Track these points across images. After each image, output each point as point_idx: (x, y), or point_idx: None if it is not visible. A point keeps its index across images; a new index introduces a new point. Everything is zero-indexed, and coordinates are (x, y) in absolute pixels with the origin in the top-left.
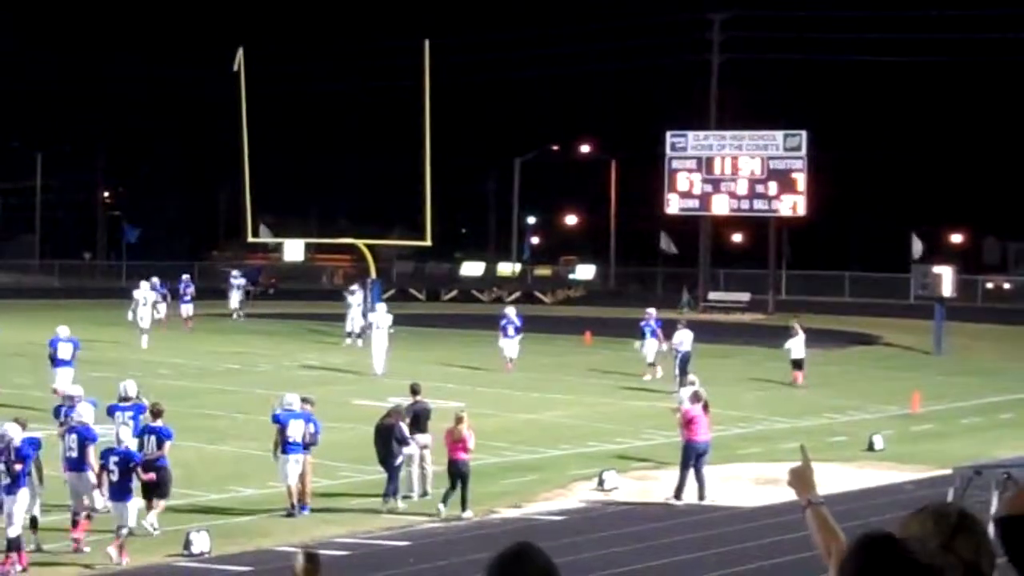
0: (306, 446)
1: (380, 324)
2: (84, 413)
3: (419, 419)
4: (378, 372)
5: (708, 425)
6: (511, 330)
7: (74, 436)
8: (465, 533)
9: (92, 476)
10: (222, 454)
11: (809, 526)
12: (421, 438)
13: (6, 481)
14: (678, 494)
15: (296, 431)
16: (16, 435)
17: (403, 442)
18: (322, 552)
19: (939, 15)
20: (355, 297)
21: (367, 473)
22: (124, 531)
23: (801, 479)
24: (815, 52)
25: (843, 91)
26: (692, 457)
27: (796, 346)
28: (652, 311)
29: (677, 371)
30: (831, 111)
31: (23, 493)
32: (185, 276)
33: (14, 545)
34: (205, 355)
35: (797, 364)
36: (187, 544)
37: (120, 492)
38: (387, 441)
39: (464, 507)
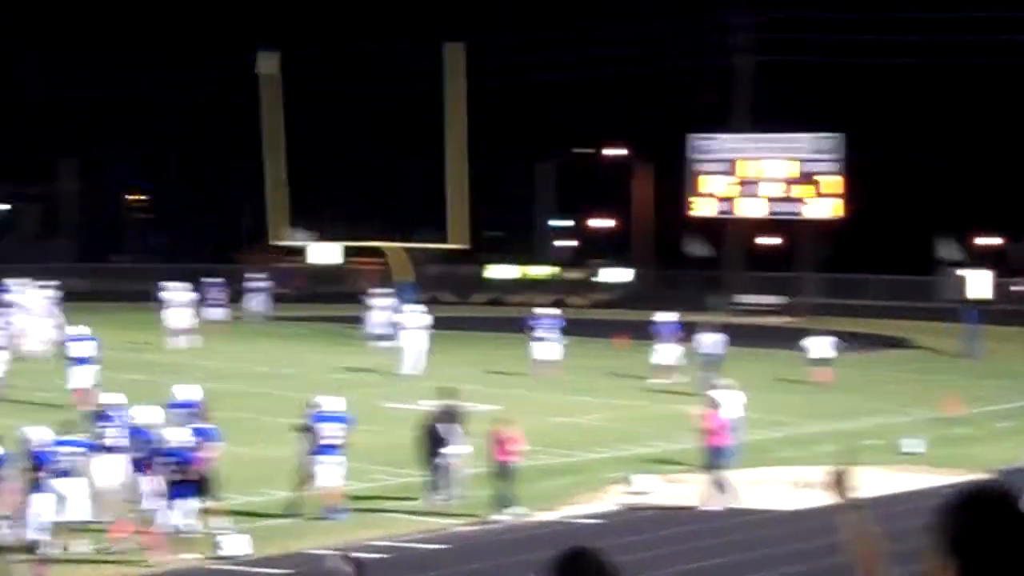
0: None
1: (416, 324)
2: (146, 416)
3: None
4: (414, 372)
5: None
6: (546, 331)
7: (136, 439)
8: (501, 536)
9: (149, 480)
10: (255, 457)
11: (843, 529)
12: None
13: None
14: (723, 491)
15: (332, 433)
16: (37, 438)
17: (444, 442)
18: (357, 555)
19: (974, 17)
20: (381, 300)
21: (401, 476)
22: (182, 528)
23: (840, 481)
24: (846, 55)
25: (874, 94)
26: (718, 461)
27: (816, 346)
28: (670, 315)
29: (704, 373)
30: (862, 114)
31: (42, 497)
32: (216, 279)
33: (32, 548)
34: (237, 358)
35: (817, 363)
36: (217, 547)
37: (174, 491)
38: (434, 440)
39: (504, 506)
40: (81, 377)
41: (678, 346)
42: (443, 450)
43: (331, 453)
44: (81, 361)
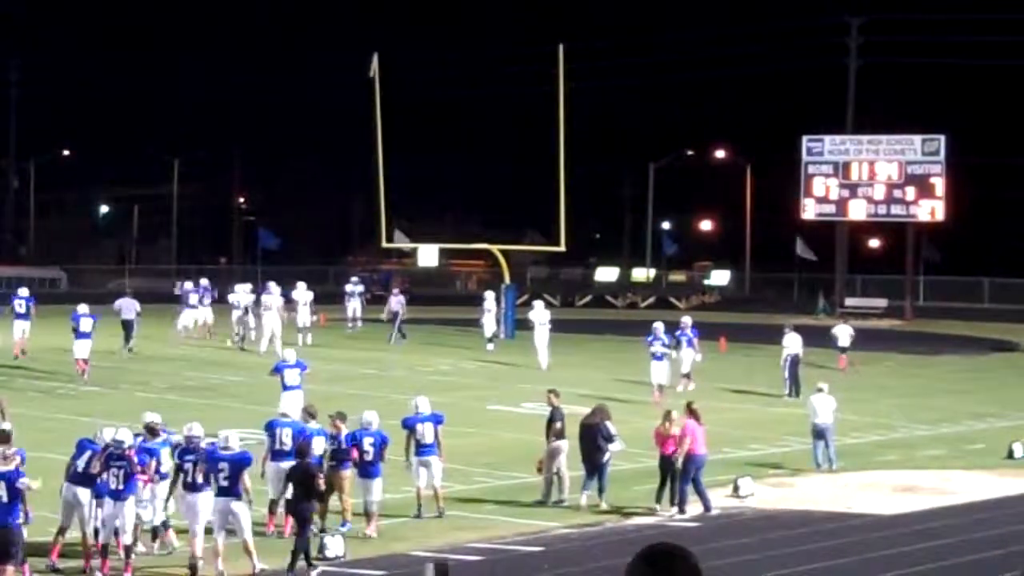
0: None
1: (541, 321)
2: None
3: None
4: (543, 367)
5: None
6: (659, 348)
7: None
8: (599, 539)
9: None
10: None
11: None
12: (561, 444)
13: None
14: (682, 507)
15: (427, 434)
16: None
17: (609, 439)
18: (456, 557)
19: None
20: (489, 303)
21: (501, 479)
22: (374, 507)
23: None
24: (954, 55)
25: (982, 95)
26: (692, 471)
27: (842, 333)
28: (688, 320)
29: (786, 375)
30: (970, 115)
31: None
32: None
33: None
34: (340, 360)
35: (843, 350)
36: (321, 548)
37: (370, 471)
38: (592, 439)
39: (672, 501)
40: (81, 349)
41: (696, 352)
42: (611, 446)
43: (424, 453)
44: (84, 335)
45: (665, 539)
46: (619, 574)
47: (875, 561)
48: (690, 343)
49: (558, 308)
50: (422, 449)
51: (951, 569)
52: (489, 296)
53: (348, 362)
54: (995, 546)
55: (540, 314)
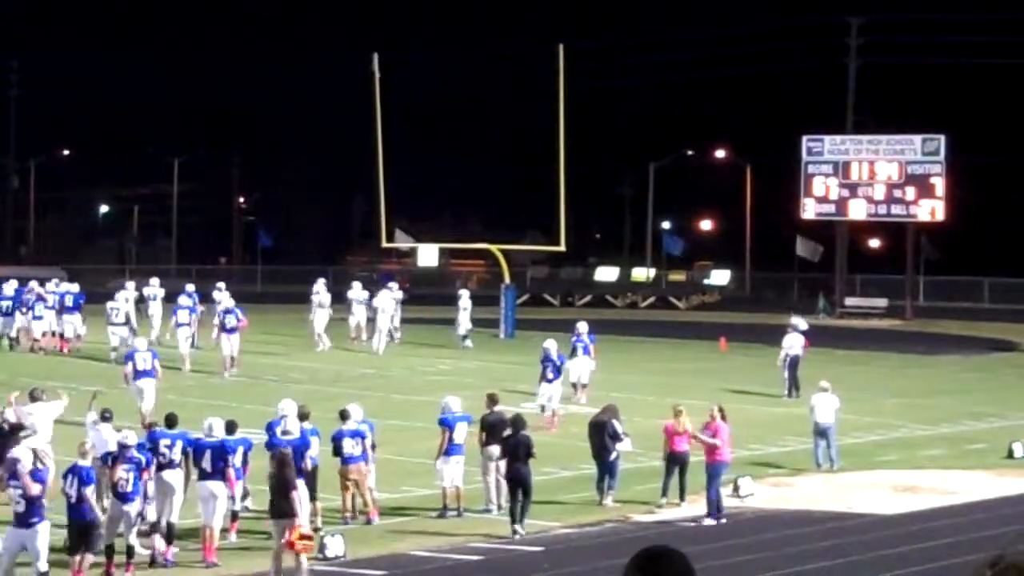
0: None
1: (383, 308)
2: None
3: (494, 429)
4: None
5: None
6: (550, 373)
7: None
8: (599, 539)
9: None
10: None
11: None
12: (494, 450)
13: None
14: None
15: (461, 434)
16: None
17: (616, 438)
18: (456, 557)
19: None
20: (464, 301)
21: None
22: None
23: None
24: (954, 55)
25: (982, 94)
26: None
27: (801, 321)
28: (583, 326)
29: (786, 375)
30: (970, 115)
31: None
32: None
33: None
34: (339, 360)
35: (804, 333)
36: (322, 548)
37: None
38: (600, 437)
39: (682, 497)
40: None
41: (591, 361)
42: (618, 445)
43: (455, 452)
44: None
45: (667, 539)
46: (619, 574)
47: (875, 561)
48: (586, 350)
49: (558, 308)
50: (454, 447)
51: (951, 569)
52: (464, 294)
53: (347, 363)
54: (995, 546)
55: (385, 302)
